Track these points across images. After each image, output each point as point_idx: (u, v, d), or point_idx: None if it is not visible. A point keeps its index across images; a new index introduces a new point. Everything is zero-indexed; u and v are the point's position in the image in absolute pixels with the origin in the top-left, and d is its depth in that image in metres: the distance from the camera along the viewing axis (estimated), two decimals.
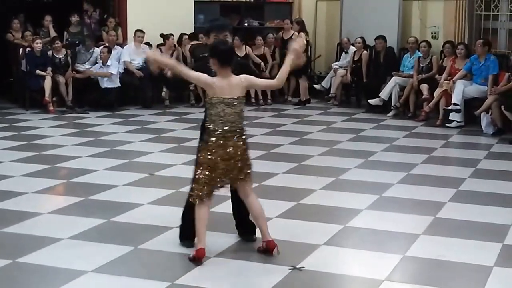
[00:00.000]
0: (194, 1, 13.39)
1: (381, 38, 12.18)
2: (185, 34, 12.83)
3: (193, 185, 4.97)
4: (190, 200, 5.01)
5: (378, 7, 12.87)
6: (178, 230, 5.36)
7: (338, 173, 7.59)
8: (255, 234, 5.33)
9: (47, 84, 11.52)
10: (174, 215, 5.96)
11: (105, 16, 13.22)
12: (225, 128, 4.87)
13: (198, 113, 11.35)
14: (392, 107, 11.62)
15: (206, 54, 5.32)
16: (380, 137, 9.80)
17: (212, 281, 4.65)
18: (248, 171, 5.02)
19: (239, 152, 4.92)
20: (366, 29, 12.69)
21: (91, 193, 6.69)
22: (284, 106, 12.71)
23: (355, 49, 12.67)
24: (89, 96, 12.00)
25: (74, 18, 12.91)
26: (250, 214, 5.26)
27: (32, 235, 5.49)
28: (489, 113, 10.08)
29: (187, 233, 5.18)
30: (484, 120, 10.14)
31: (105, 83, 11.91)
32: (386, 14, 12.77)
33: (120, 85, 12.02)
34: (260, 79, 5.11)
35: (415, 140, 9.66)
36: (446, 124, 10.54)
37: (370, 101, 11.84)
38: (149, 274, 4.74)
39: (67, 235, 5.45)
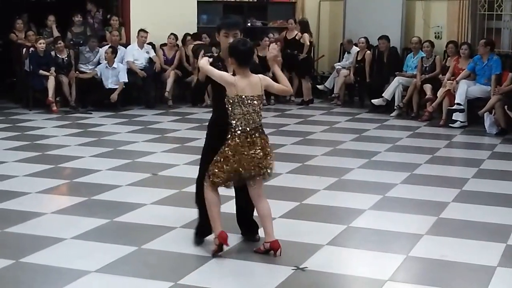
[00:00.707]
0: (197, 1, 13.39)
1: (384, 38, 12.17)
2: (189, 34, 12.84)
3: (210, 167, 4.97)
4: (206, 177, 5.00)
5: (381, 7, 12.87)
6: (181, 230, 5.36)
7: (341, 173, 7.58)
8: (257, 233, 5.33)
9: (50, 84, 11.54)
10: (177, 215, 5.98)
11: (108, 16, 13.23)
12: (248, 126, 4.94)
13: (201, 113, 11.35)
14: (395, 107, 11.61)
15: (209, 54, 5.32)
16: (383, 137, 9.79)
17: (215, 281, 4.65)
18: (268, 170, 5.03)
19: (260, 150, 4.97)
20: (370, 29, 12.69)
21: (94, 193, 6.69)
22: (287, 106, 12.71)
23: (358, 49, 12.67)
24: (93, 96, 12.01)
25: (77, 18, 12.93)
26: (253, 214, 5.25)
27: (35, 235, 5.49)
28: (493, 113, 10.07)
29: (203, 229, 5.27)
30: (488, 120, 10.13)
31: (109, 84, 11.92)
32: (389, 14, 12.77)
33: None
34: (276, 83, 5.15)
35: (418, 140, 9.65)
36: (450, 124, 10.53)
37: (373, 101, 11.83)
38: (152, 274, 4.74)
39: (70, 235, 5.45)
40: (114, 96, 11.76)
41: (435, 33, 12.47)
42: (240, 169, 4.92)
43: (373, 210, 6.27)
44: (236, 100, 4.91)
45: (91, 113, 11.45)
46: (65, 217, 5.99)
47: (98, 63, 12.25)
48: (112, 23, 12.74)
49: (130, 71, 12.19)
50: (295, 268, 4.82)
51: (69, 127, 10.40)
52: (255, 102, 4.96)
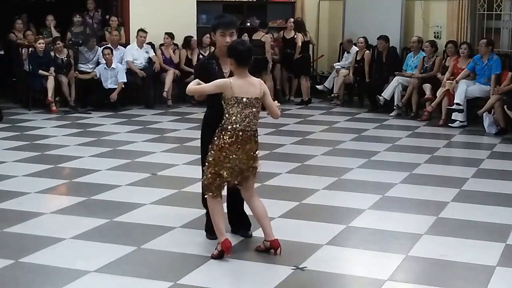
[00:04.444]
0: (197, 1, 13.38)
1: (383, 38, 12.17)
2: (191, 36, 12.82)
3: (204, 181, 4.99)
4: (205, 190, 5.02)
5: (381, 7, 12.87)
6: (181, 230, 5.36)
7: (341, 173, 7.59)
8: (250, 229, 5.36)
9: (50, 84, 11.54)
10: (176, 215, 5.98)
11: (107, 16, 13.23)
12: (240, 127, 4.89)
13: (200, 113, 11.27)
14: (394, 107, 11.62)
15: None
16: (383, 137, 9.80)
17: (214, 281, 4.65)
18: (256, 171, 5.04)
19: (251, 152, 4.95)
20: (369, 28, 12.69)
21: (93, 193, 6.70)
22: (286, 106, 12.68)
23: (358, 49, 12.67)
24: (92, 96, 12.01)
25: (76, 18, 12.93)
26: (243, 209, 5.30)
27: (35, 235, 5.49)
28: (492, 113, 10.07)
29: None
30: (487, 120, 10.13)
31: (108, 84, 11.92)
32: (388, 14, 12.77)
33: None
34: (270, 99, 5.06)
35: (418, 140, 9.66)
36: (449, 124, 10.53)
37: (378, 96, 11.71)
38: (151, 274, 4.74)
39: (69, 235, 5.45)
40: (114, 96, 11.77)
41: (434, 32, 12.48)
42: (231, 170, 4.89)
43: (373, 209, 6.27)
44: (232, 102, 4.88)
45: (91, 113, 11.45)
46: (65, 217, 5.99)
47: (98, 62, 12.26)
48: (111, 23, 12.74)
49: (130, 71, 12.21)
50: (295, 267, 4.82)
51: (69, 127, 10.41)
52: (252, 104, 4.91)
